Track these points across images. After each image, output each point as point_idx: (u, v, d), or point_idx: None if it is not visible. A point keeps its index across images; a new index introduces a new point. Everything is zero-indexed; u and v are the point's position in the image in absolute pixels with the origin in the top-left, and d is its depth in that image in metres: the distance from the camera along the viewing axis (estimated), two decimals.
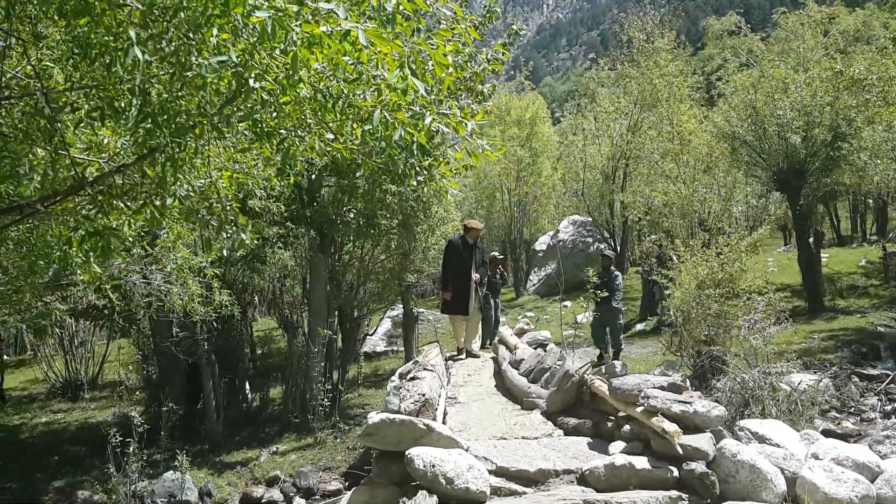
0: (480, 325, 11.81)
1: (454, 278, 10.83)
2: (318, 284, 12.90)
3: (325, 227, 12.15)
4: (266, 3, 2.01)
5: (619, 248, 24.31)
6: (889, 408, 10.12)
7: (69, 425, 14.05)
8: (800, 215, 16.81)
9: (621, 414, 6.24)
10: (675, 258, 11.22)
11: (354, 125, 2.75)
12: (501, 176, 25.63)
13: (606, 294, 11.75)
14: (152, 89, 2.37)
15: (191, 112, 2.47)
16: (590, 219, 24.87)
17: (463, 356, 11.25)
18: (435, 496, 4.89)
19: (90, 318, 13.85)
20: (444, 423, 7.21)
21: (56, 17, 2.85)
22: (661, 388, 5.74)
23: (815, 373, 11.61)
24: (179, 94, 2.40)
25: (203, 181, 2.90)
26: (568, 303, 19.73)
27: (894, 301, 16.07)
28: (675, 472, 5.08)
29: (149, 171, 2.81)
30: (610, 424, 6.29)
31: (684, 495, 4.91)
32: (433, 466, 5.01)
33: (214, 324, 10.60)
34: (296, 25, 2.06)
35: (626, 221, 23.02)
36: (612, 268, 12.83)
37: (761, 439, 5.91)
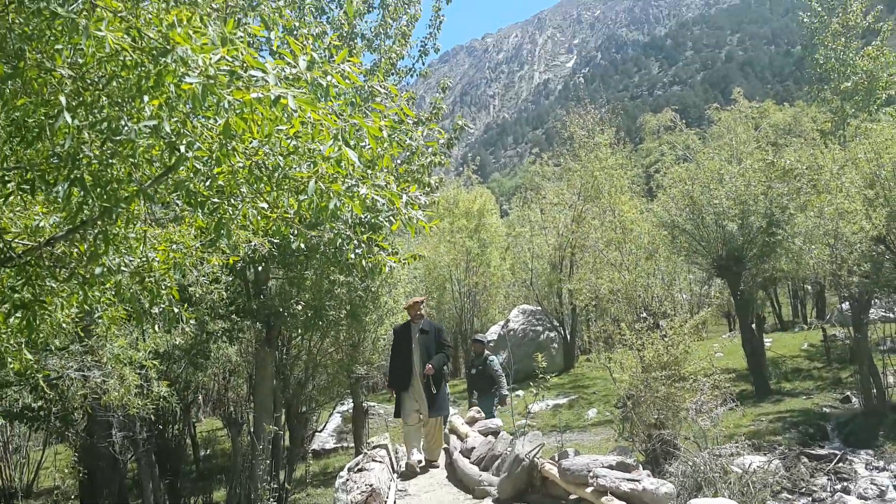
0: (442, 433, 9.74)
1: (394, 369, 9.27)
2: (265, 379, 12.62)
3: (272, 319, 11.98)
4: (197, 71, 2.07)
5: (568, 336, 24.47)
6: (839, 486, 10.19)
7: None
8: (741, 301, 17.27)
9: (572, 497, 6.15)
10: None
11: (290, 198, 2.79)
12: (451, 266, 25.85)
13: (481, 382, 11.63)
14: (83, 157, 2.37)
15: (122, 180, 2.48)
16: (539, 307, 25.09)
17: (414, 468, 9.09)
18: None
19: (25, 420, 13.23)
20: None
21: None
22: (610, 466, 5.69)
23: (764, 454, 11.70)
24: (110, 160, 2.41)
25: (137, 259, 2.87)
26: (520, 392, 19.63)
27: (837, 382, 16.41)
28: None
29: (80, 245, 2.78)
30: None
31: None
32: None
33: (153, 419, 10.22)
34: (227, 93, 2.12)
35: (575, 309, 23.28)
36: (486, 353, 12.18)
37: None
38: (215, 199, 2.53)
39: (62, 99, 2.12)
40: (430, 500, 7.84)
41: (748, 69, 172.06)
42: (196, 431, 17.11)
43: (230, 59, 2.13)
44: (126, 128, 2.23)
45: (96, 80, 2.30)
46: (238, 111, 2.18)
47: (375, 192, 2.81)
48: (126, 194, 2.52)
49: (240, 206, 2.57)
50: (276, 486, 11.40)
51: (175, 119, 2.29)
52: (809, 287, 26.99)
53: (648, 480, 5.41)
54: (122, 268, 2.75)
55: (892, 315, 19.79)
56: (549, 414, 18.07)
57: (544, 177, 26.98)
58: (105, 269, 2.65)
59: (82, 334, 4.78)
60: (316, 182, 2.59)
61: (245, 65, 2.18)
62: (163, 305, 2.99)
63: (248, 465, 11.87)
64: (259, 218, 2.66)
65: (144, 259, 2.88)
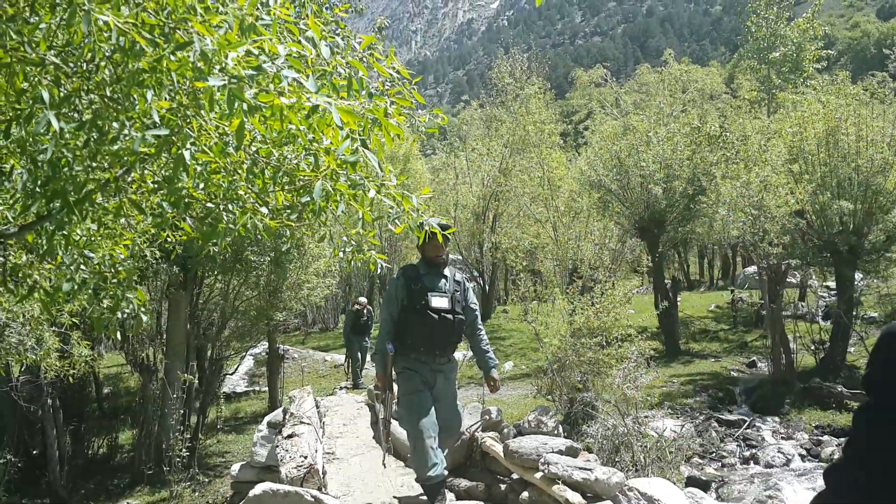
0: None
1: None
2: (178, 323, 12.05)
3: (188, 261, 11.39)
4: (221, 71, 1.61)
5: (486, 288, 24.55)
6: (748, 453, 10.63)
7: None
8: (657, 262, 17.64)
9: (515, 476, 6.07)
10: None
11: (283, 194, 2.40)
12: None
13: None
14: (63, 160, 1.88)
15: (101, 181, 2.02)
16: (460, 257, 24.97)
17: None
18: None
19: None
20: (324, 481, 6.77)
21: None
22: (560, 452, 5.62)
23: (678, 418, 12.07)
24: (93, 164, 1.94)
25: (98, 255, 2.40)
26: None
27: (743, 346, 17.11)
28: None
29: (28, 236, 2.28)
30: (503, 487, 6.10)
31: None
32: None
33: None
34: (251, 94, 1.69)
35: (495, 262, 23.32)
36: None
37: (650, 500, 5.89)
38: (209, 204, 2.13)
39: (44, 93, 1.62)
40: (361, 465, 7.64)
41: (667, 25, 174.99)
42: (99, 368, 16.31)
43: (255, 53, 1.71)
44: (126, 135, 1.77)
45: (83, 65, 1.80)
46: (257, 113, 1.78)
47: (385, 193, 2.46)
48: (91, 186, 2.06)
49: (237, 212, 2.16)
50: (188, 435, 10.98)
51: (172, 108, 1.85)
52: (718, 248, 27.99)
53: (600, 470, 5.36)
54: (82, 266, 2.30)
55: (794, 281, 20.74)
56: (465, 365, 18.13)
57: (470, 123, 26.57)
58: (73, 283, 2.19)
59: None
60: (322, 182, 2.22)
61: (269, 56, 1.77)
62: (128, 310, 2.56)
63: (160, 414, 11.40)
64: (263, 229, 2.25)
65: (105, 252, 2.43)
